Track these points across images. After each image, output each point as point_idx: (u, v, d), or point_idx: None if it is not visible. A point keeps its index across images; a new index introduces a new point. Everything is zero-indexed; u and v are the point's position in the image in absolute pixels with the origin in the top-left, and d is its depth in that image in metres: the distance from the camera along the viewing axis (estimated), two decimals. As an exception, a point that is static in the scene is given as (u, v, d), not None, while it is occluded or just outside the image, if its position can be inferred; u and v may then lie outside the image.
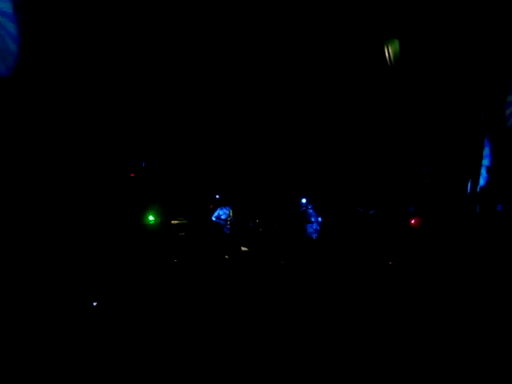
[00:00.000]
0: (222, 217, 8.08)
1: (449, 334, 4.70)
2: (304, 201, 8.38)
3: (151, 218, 7.07)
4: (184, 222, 7.69)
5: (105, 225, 6.72)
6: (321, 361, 4.25)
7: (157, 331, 4.94)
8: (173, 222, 7.58)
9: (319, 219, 8.14)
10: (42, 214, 6.09)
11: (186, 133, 8.38)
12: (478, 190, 6.61)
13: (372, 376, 3.99)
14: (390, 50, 7.47)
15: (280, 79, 8.41)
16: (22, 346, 4.42)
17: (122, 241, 6.71)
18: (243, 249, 7.53)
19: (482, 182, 6.61)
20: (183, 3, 7.25)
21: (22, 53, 5.90)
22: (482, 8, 6.65)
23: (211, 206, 8.30)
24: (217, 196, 8.29)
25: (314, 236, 8.02)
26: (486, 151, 6.67)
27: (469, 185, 6.75)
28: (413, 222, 7.26)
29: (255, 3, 7.40)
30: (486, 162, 6.63)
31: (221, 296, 5.92)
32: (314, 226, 8.13)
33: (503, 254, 5.94)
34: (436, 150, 7.16)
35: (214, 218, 8.04)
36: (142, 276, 6.32)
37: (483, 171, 6.62)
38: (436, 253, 6.62)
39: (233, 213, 8.11)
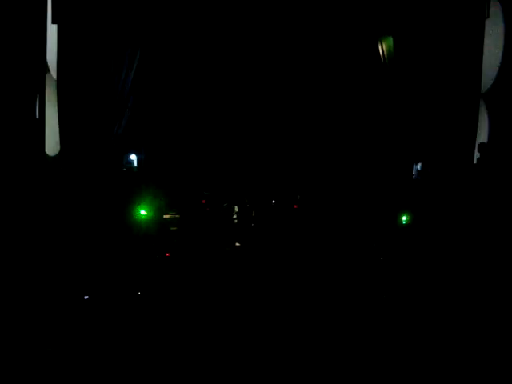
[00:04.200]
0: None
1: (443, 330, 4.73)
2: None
3: (143, 212, 7.03)
4: (176, 216, 7.67)
5: (97, 219, 6.68)
6: (316, 358, 4.25)
7: (149, 325, 4.91)
8: (165, 216, 7.55)
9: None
10: (35, 207, 6.04)
11: (179, 128, 8.35)
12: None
13: (368, 374, 4.00)
14: (384, 47, 7.49)
15: (273, 75, 8.42)
16: (16, 340, 4.38)
17: (114, 235, 6.67)
18: (236, 244, 7.53)
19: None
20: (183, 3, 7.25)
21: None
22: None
23: (203, 202, 8.27)
24: (205, 193, 8.27)
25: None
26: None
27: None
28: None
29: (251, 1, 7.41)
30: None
31: (214, 292, 5.91)
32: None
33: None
34: (428, 146, 7.20)
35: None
36: (134, 270, 6.29)
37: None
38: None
39: (227, 208, 8.10)
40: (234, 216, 8.09)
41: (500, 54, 6.50)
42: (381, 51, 7.52)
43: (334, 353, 4.33)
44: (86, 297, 5.56)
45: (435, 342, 4.47)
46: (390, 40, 7.37)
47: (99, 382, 3.84)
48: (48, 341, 4.41)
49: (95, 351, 4.27)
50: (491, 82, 6.71)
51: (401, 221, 7.24)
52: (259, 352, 4.34)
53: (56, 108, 6.74)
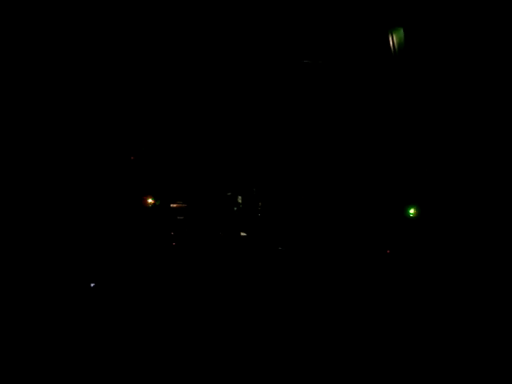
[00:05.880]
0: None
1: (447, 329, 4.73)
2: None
3: (151, 200, 7.08)
4: (183, 205, 7.71)
5: (105, 208, 6.73)
6: (318, 352, 4.28)
7: (154, 314, 4.97)
8: (172, 205, 7.59)
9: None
10: (43, 196, 6.10)
11: (186, 118, 8.36)
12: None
13: (371, 371, 4.02)
14: (395, 39, 7.40)
15: (278, 66, 8.37)
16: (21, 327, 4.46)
17: (122, 223, 6.73)
18: (242, 234, 7.56)
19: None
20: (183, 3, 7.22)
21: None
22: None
23: (209, 191, 8.29)
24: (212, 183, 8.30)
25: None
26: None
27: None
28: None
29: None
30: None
31: (218, 282, 5.95)
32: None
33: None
34: (438, 142, 7.13)
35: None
36: (142, 259, 6.35)
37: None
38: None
39: (232, 200, 8.12)
40: (240, 205, 8.10)
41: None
42: (391, 43, 7.43)
43: (336, 346, 4.36)
44: (92, 284, 5.64)
45: (440, 336, 4.48)
46: (401, 31, 7.28)
47: (103, 372, 3.91)
48: (53, 328, 4.49)
49: (99, 340, 4.34)
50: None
51: (408, 214, 7.20)
52: (261, 342, 4.38)
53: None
